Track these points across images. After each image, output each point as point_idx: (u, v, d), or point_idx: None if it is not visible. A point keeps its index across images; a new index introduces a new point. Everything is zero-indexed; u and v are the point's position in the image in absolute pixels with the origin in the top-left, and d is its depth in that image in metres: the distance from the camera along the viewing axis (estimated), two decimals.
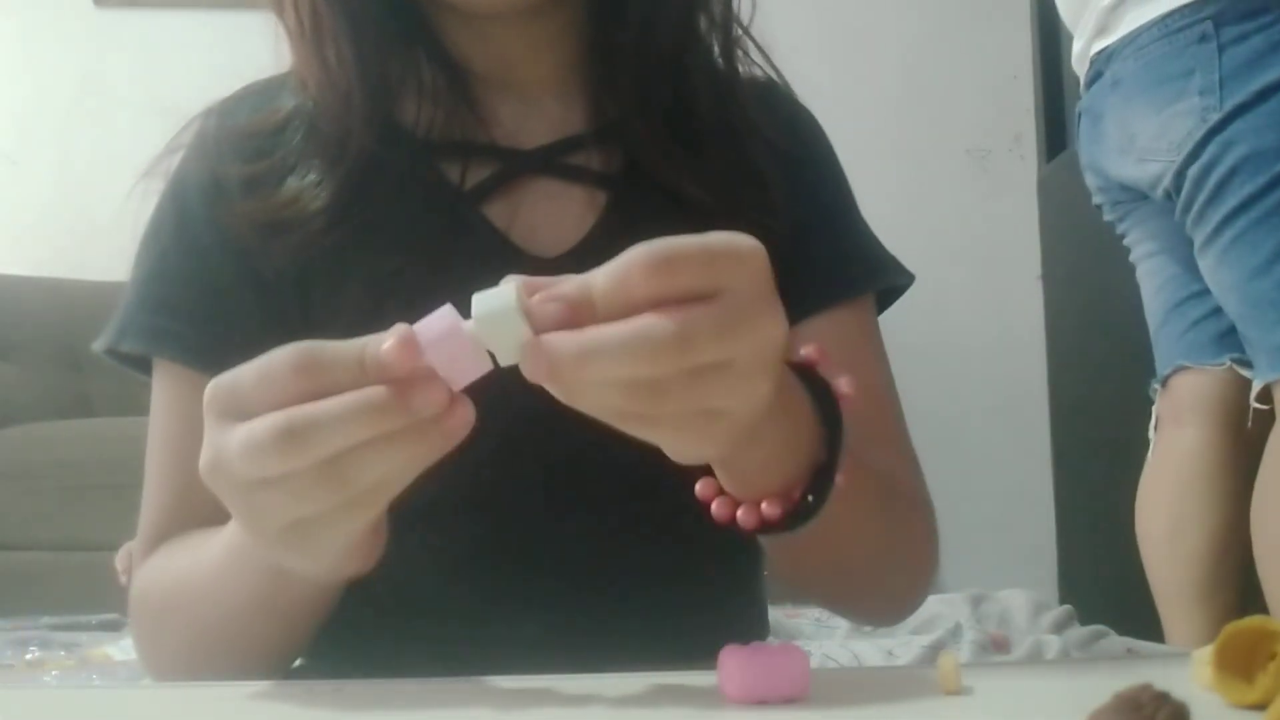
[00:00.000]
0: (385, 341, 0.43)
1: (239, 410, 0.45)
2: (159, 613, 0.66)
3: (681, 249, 0.43)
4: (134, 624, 0.69)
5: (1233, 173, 1.34)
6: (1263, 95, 1.33)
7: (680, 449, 0.48)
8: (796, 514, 0.54)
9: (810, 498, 0.54)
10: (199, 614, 0.62)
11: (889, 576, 0.72)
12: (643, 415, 0.45)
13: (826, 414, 0.55)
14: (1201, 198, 1.38)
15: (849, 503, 0.56)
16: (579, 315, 0.43)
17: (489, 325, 0.43)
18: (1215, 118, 1.35)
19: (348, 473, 0.44)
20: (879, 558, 0.69)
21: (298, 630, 0.61)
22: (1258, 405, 1.43)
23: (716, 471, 0.55)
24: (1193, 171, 1.38)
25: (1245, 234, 1.34)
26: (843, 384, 0.56)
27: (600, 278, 0.43)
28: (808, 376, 0.56)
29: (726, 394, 0.45)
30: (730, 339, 0.43)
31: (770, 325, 0.45)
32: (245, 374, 0.46)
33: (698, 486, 0.56)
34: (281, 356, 0.45)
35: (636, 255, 0.43)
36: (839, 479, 0.55)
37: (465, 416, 0.44)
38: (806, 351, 0.56)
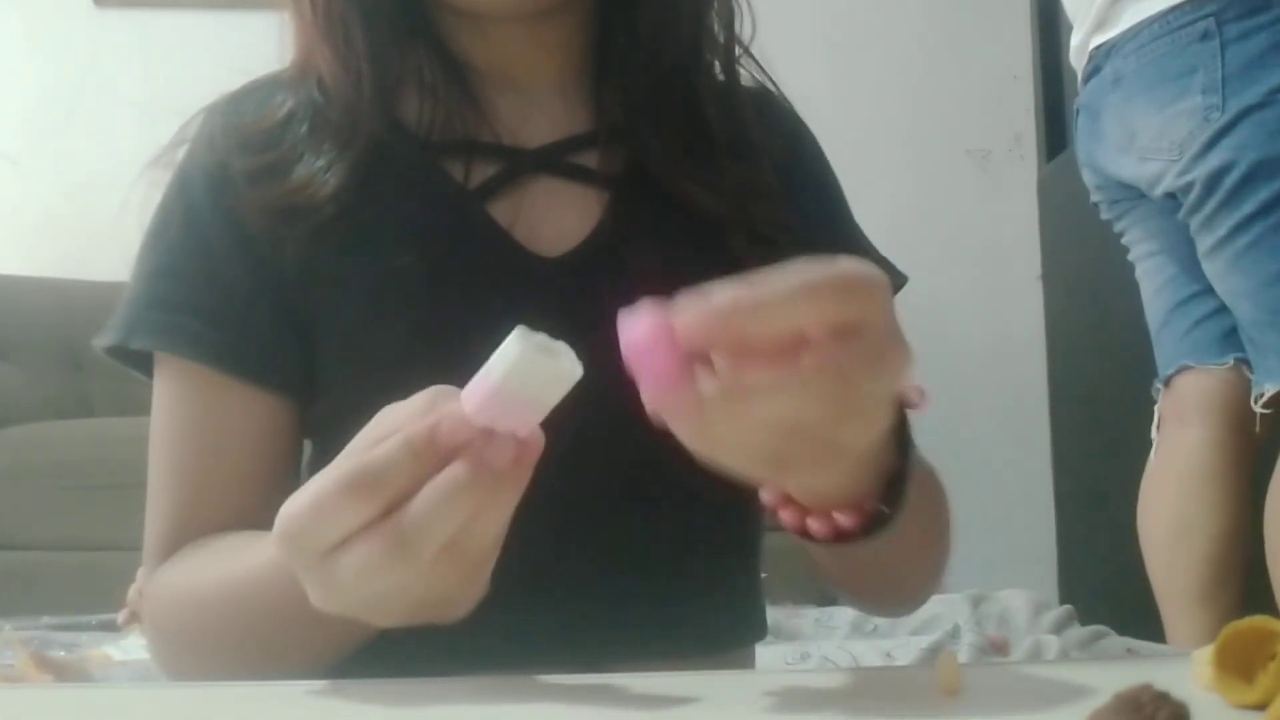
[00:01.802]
0: (429, 423, 0.43)
1: (321, 547, 0.45)
2: (191, 622, 0.65)
3: (830, 279, 0.42)
4: (155, 631, 0.69)
5: (1247, 178, 1.33)
6: (1272, 97, 1.32)
7: (805, 483, 0.48)
8: (871, 524, 0.54)
9: (885, 508, 0.54)
10: (246, 619, 0.61)
11: (926, 570, 0.73)
12: (782, 456, 0.44)
13: (897, 421, 0.55)
14: (1212, 202, 1.37)
15: (916, 506, 0.56)
16: (731, 330, 0.41)
17: (517, 382, 0.43)
18: (1219, 118, 1.35)
19: (460, 551, 0.45)
20: (924, 554, 0.70)
21: (347, 641, 0.60)
22: (1261, 410, 1.43)
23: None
24: (1201, 174, 1.37)
25: (1261, 240, 1.34)
26: (914, 395, 0.55)
27: (751, 302, 0.41)
28: None
29: (858, 428, 0.44)
30: (877, 375, 0.43)
31: (904, 357, 0.44)
32: (306, 515, 0.45)
33: (763, 494, 0.55)
34: (334, 486, 0.44)
35: (789, 286, 0.41)
36: (910, 488, 0.55)
37: (535, 450, 0.45)
38: None
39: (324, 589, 0.47)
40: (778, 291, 0.41)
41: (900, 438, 0.55)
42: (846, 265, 0.43)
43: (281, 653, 0.61)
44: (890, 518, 0.54)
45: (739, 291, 0.41)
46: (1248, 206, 1.33)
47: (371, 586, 0.45)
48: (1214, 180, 1.36)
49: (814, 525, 0.54)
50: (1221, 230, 1.38)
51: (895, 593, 0.75)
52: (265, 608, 0.59)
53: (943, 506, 0.73)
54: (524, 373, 0.43)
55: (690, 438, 0.44)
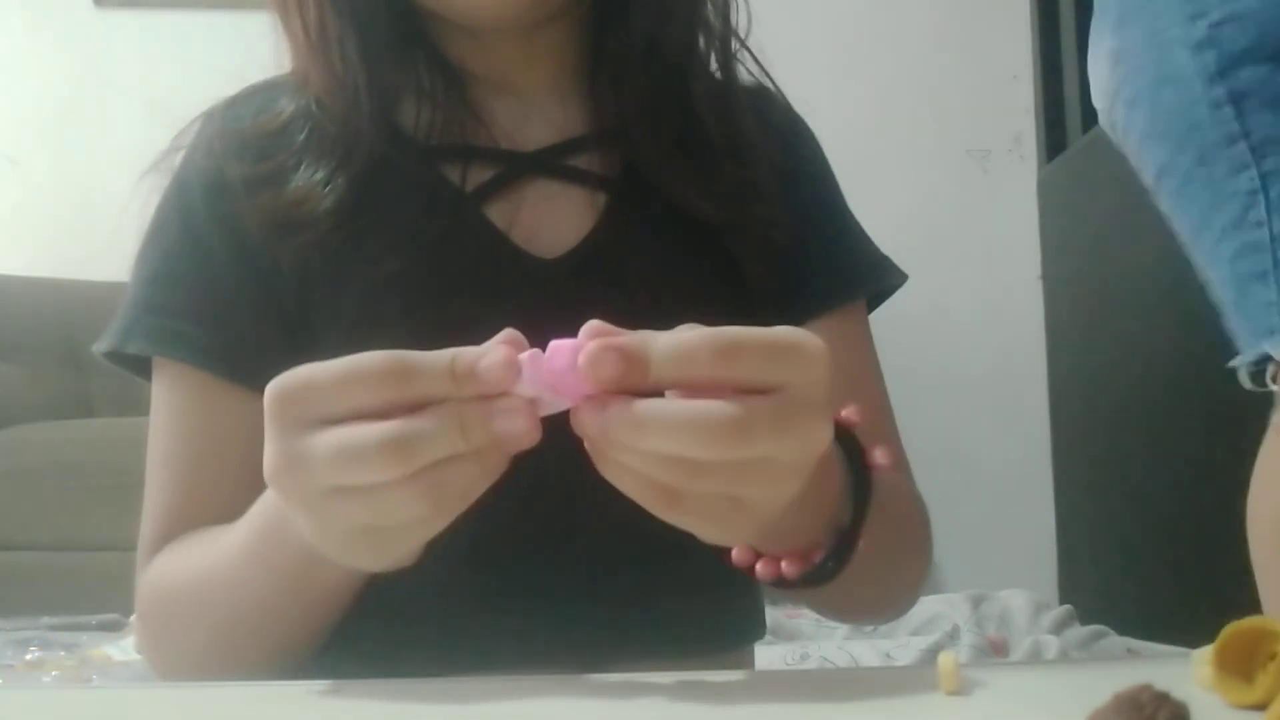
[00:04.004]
0: (485, 358, 0.43)
1: (315, 415, 0.45)
2: (172, 611, 0.66)
3: (751, 339, 0.43)
4: (143, 625, 0.69)
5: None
6: None
7: (701, 531, 0.48)
8: (814, 575, 0.55)
9: (830, 562, 0.55)
10: (221, 606, 0.62)
11: (895, 593, 0.73)
12: (672, 494, 0.44)
13: (855, 476, 0.56)
14: None
15: (870, 554, 0.56)
16: (632, 372, 0.42)
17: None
18: None
19: (439, 485, 0.44)
20: (890, 583, 0.70)
21: (324, 617, 0.61)
22: None
23: None
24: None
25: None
26: (878, 454, 0.56)
27: (663, 345, 0.42)
28: (842, 437, 0.56)
29: (760, 487, 0.45)
30: (783, 437, 0.43)
31: (821, 430, 0.45)
32: (323, 378, 0.45)
33: None
34: (368, 362, 0.44)
35: (705, 337, 0.42)
36: (861, 544, 0.55)
37: (536, 436, 0.44)
38: (847, 413, 0.56)
39: (295, 460, 0.45)
40: (683, 347, 0.42)
41: (857, 494, 0.56)
42: (780, 331, 0.44)
43: (249, 636, 0.61)
44: (834, 571, 0.55)
45: (642, 341, 0.42)
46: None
47: (347, 473, 0.44)
48: None
49: (761, 569, 0.55)
50: None
51: (861, 615, 0.76)
52: (233, 584, 0.60)
53: (916, 536, 0.73)
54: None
55: (594, 459, 0.45)
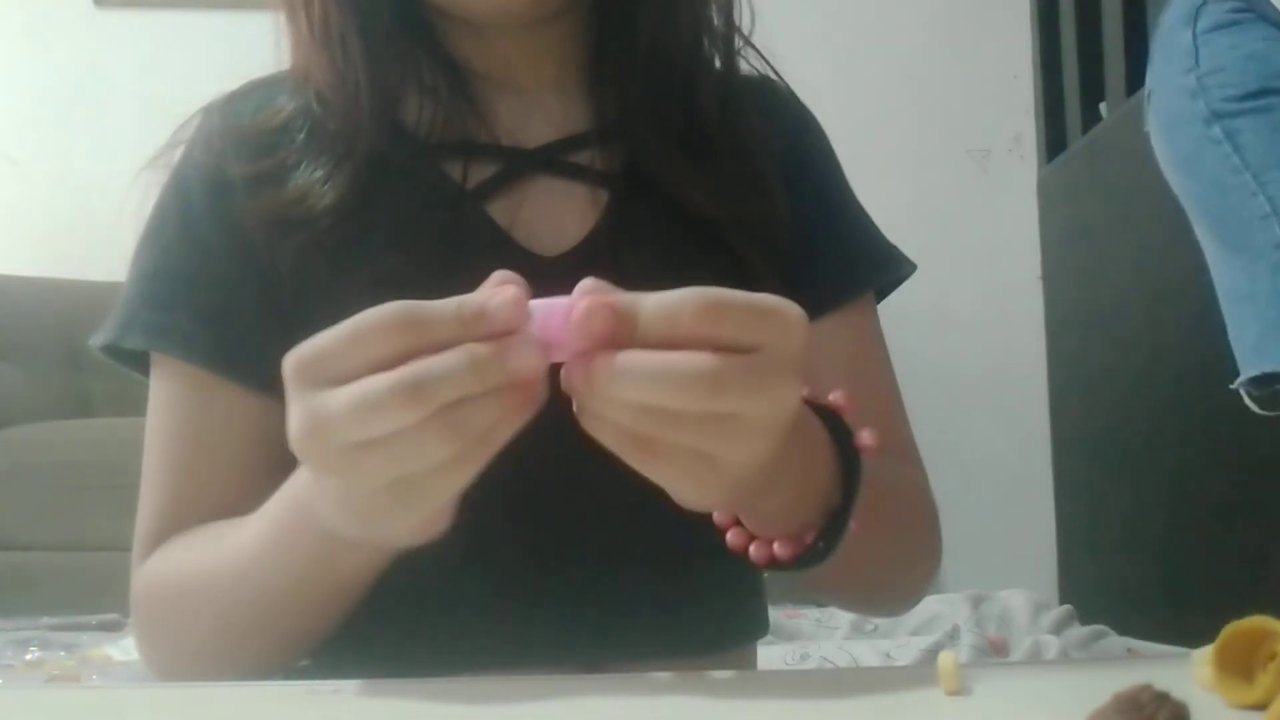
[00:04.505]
0: (494, 297, 0.44)
1: (330, 375, 0.45)
2: (174, 604, 0.65)
3: (734, 300, 0.44)
4: (138, 620, 0.69)
5: None
6: None
7: (675, 488, 0.49)
8: (807, 556, 0.56)
9: (821, 543, 0.55)
10: (226, 599, 0.61)
11: (900, 581, 0.73)
12: (645, 443, 0.45)
13: (846, 460, 0.56)
14: None
15: (866, 535, 0.57)
16: (621, 327, 0.43)
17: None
18: None
19: (459, 426, 0.44)
20: (892, 569, 0.70)
21: (333, 612, 0.61)
22: None
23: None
24: None
25: None
26: (865, 436, 0.57)
27: (651, 303, 0.44)
28: (830, 421, 0.57)
29: (730, 444, 0.46)
30: (754, 395, 0.44)
31: (790, 392, 0.46)
32: (333, 339, 0.45)
33: (714, 515, 0.57)
34: (375, 315, 0.45)
35: (690, 295, 0.44)
36: (852, 525, 0.56)
37: (543, 387, 0.45)
38: (834, 397, 0.57)
39: (315, 420, 0.45)
40: (669, 305, 0.44)
41: (849, 477, 0.56)
42: (762, 297, 0.45)
43: (252, 630, 0.61)
44: (826, 553, 0.55)
45: (631, 299, 0.44)
46: None
47: (365, 425, 0.44)
48: None
49: (754, 551, 0.56)
50: None
51: (865, 602, 0.76)
52: (244, 576, 0.60)
53: (921, 526, 0.73)
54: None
55: (579, 414, 0.46)
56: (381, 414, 0.44)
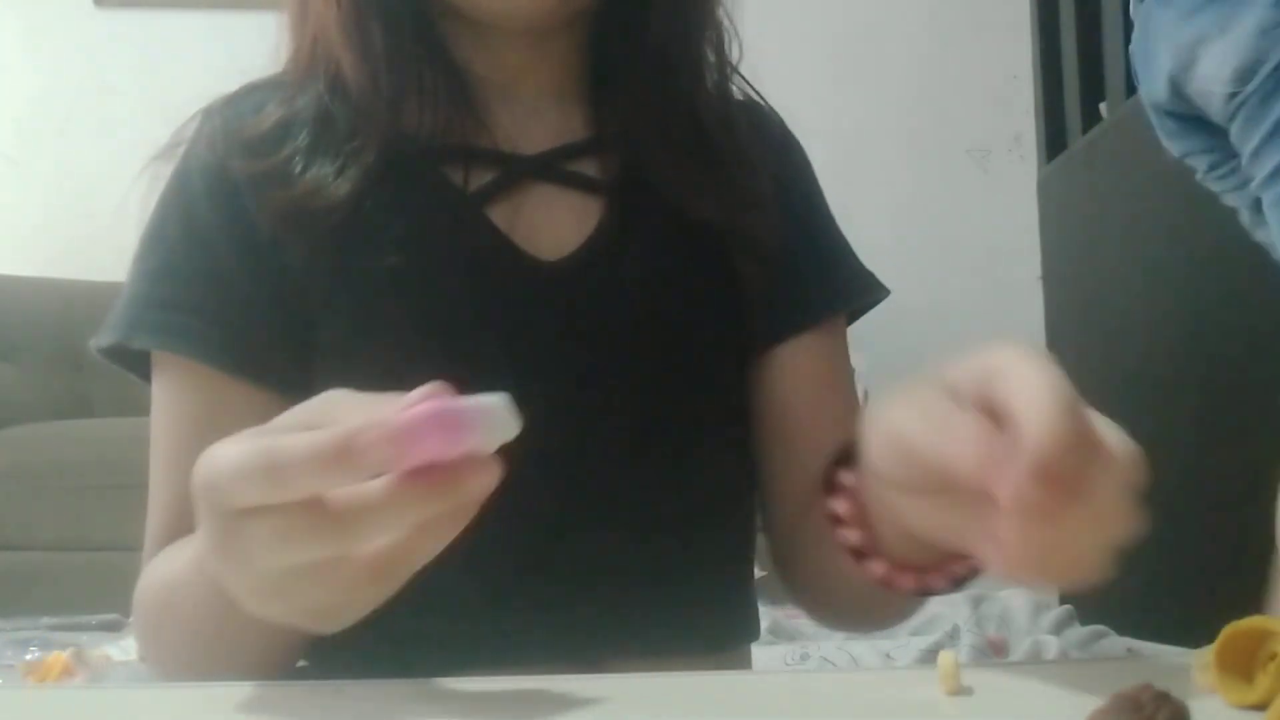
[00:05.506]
0: (345, 433, 0.40)
1: (230, 506, 0.43)
2: (158, 615, 0.65)
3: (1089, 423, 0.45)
4: (136, 625, 0.69)
5: None
6: None
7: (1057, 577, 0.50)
8: (957, 582, 0.59)
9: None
10: (188, 617, 0.61)
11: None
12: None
13: None
14: None
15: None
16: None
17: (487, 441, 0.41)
18: None
19: (353, 529, 0.42)
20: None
21: (281, 644, 0.59)
22: None
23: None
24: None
25: None
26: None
27: (1045, 432, 0.43)
28: None
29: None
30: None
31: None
32: (224, 468, 0.42)
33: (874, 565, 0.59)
34: (250, 453, 0.42)
35: (1069, 418, 0.44)
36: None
37: (485, 480, 0.42)
38: None
39: (225, 549, 0.44)
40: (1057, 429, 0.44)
41: None
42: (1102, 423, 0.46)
43: (219, 648, 0.60)
44: (970, 577, 0.59)
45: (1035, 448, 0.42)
46: None
47: (279, 559, 0.43)
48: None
49: (903, 581, 0.59)
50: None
51: (877, 625, 0.81)
52: (194, 602, 0.59)
53: None
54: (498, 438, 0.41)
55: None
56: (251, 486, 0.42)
